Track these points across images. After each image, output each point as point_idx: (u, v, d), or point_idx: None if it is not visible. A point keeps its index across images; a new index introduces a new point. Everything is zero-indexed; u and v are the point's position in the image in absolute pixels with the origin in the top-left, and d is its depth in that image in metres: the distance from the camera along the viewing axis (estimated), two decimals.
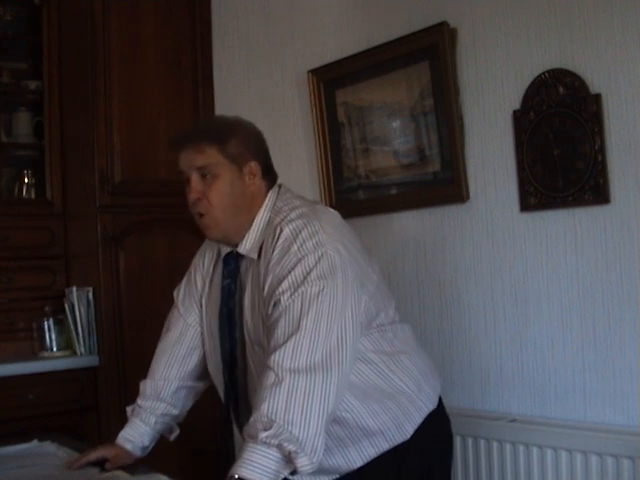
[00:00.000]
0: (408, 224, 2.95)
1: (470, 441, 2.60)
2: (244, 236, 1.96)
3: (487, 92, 2.67)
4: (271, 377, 1.72)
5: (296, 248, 1.83)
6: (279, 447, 1.65)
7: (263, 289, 1.88)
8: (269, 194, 1.99)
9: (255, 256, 1.94)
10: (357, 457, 1.94)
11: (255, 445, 1.66)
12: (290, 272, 1.82)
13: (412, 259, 2.93)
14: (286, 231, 1.86)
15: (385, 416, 1.93)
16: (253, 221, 1.96)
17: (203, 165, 1.92)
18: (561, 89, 2.44)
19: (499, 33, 2.62)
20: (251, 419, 1.71)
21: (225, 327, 2.01)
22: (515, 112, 2.57)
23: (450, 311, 2.81)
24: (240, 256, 1.98)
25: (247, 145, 1.96)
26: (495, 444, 2.54)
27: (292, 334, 1.75)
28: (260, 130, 2.06)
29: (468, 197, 2.73)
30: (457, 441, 2.61)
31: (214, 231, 1.97)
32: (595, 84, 2.38)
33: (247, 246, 1.96)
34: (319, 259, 1.81)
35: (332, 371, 1.75)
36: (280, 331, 1.78)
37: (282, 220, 1.90)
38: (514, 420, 2.56)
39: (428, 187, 2.86)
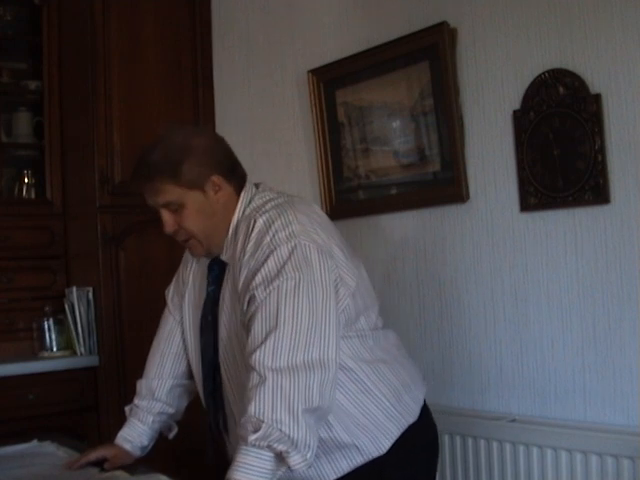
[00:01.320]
0: (408, 224, 2.94)
1: (470, 441, 2.60)
2: (224, 244, 1.94)
3: (487, 92, 2.67)
4: (255, 378, 1.69)
5: (269, 239, 1.79)
6: (270, 448, 1.63)
7: (238, 286, 1.84)
8: (241, 196, 1.95)
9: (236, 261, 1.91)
10: (329, 470, 1.88)
11: (247, 447, 1.64)
12: (263, 264, 1.77)
13: (412, 259, 2.93)
14: (259, 222, 1.82)
15: (359, 431, 1.87)
16: (229, 227, 1.93)
17: (166, 202, 1.91)
18: (561, 89, 2.44)
19: (499, 33, 2.62)
20: (241, 420, 1.69)
21: (210, 333, 1.98)
22: (515, 112, 2.57)
23: (450, 311, 2.81)
24: (223, 262, 1.96)
25: (201, 163, 1.89)
26: (495, 444, 2.53)
27: (270, 331, 1.71)
28: (213, 136, 2.01)
29: (468, 197, 2.73)
30: (457, 441, 2.62)
31: (199, 250, 1.97)
32: (595, 84, 2.38)
33: (228, 252, 1.92)
34: (292, 250, 1.76)
35: (315, 367, 1.70)
36: (258, 328, 1.73)
37: (256, 212, 1.86)
38: (514, 420, 2.56)
39: (428, 187, 2.86)
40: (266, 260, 1.77)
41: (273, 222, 1.81)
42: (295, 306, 1.72)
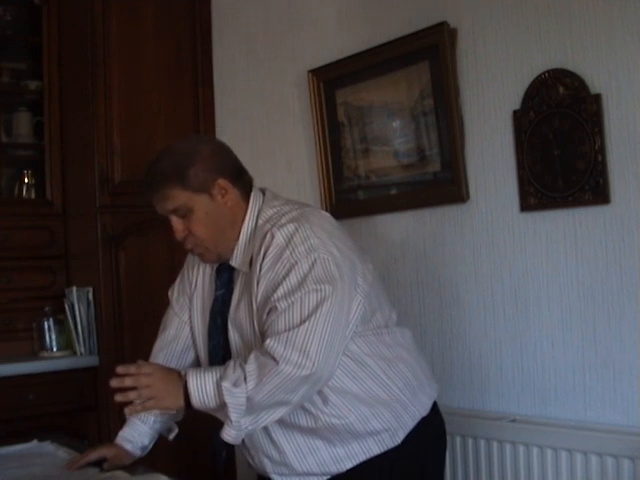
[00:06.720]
0: (408, 224, 2.94)
1: (470, 441, 2.60)
2: (234, 249, 1.96)
3: (487, 92, 2.67)
4: (263, 352, 1.78)
5: (288, 254, 1.83)
6: (225, 403, 1.75)
7: (256, 296, 1.88)
8: (251, 202, 1.98)
9: (247, 269, 1.94)
10: (346, 459, 1.93)
11: (219, 381, 1.76)
12: (284, 278, 1.82)
13: (412, 259, 2.93)
14: (277, 236, 1.85)
15: (376, 422, 1.92)
16: (240, 233, 1.96)
17: (174, 208, 1.93)
18: (561, 89, 2.44)
19: (499, 33, 2.62)
20: (234, 362, 1.79)
21: (219, 336, 2.01)
22: (515, 112, 2.57)
23: (450, 311, 2.81)
24: (232, 267, 1.99)
25: (207, 167, 1.92)
26: (495, 444, 2.53)
27: (289, 328, 1.78)
28: (219, 143, 2.04)
29: (468, 197, 2.73)
30: (457, 441, 2.62)
31: (209, 256, 1.99)
32: (595, 84, 2.38)
33: (238, 259, 1.96)
34: (313, 264, 1.81)
35: (311, 377, 1.77)
36: (278, 325, 1.79)
37: (272, 226, 1.89)
38: (514, 420, 2.56)
39: (428, 187, 2.85)
40: (287, 274, 1.82)
41: (292, 236, 1.84)
42: (316, 316, 1.78)
